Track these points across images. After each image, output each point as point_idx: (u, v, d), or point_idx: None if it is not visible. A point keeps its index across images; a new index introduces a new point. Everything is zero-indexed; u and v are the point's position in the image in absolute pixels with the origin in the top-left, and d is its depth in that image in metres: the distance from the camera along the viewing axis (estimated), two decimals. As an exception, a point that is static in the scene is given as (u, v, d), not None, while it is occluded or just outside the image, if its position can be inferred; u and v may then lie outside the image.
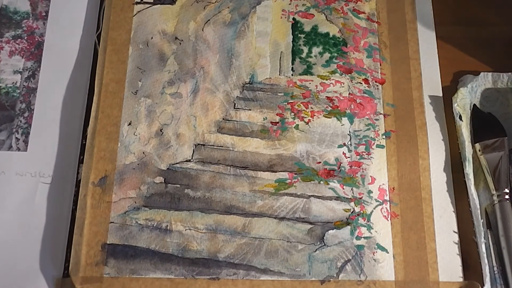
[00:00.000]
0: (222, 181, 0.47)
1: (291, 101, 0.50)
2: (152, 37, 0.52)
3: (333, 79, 0.50)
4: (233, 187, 0.47)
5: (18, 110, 0.50)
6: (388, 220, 0.46)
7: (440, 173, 0.47)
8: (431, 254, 0.45)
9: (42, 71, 0.51)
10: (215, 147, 0.48)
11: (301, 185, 0.47)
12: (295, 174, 0.47)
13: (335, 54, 0.51)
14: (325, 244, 0.45)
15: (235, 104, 0.50)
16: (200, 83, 0.50)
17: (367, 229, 0.45)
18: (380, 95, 0.50)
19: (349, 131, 0.49)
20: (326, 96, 0.50)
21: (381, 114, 0.49)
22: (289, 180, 0.47)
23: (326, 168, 0.47)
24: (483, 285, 0.43)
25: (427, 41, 0.52)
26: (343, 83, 0.50)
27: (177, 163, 0.48)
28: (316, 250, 0.45)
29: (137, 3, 0.53)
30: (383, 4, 0.53)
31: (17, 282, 0.44)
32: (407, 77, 0.50)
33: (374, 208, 0.46)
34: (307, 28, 0.52)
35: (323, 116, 0.49)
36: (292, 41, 0.52)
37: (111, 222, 0.45)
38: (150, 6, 0.53)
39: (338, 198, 0.46)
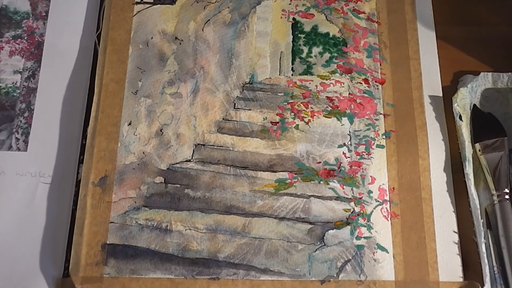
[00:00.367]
0: (222, 181, 0.47)
1: (291, 101, 0.50)
2: (152, 37, 0.52)
3: (333, 79, 0.50)
4: (233, 187, 0.47)
5: (18, 110, 0.50)
6: (388, 220, 0.46)
7: (440, 173, 0.47)
8: (431, 254, 0.45)
9: (42, 71, 0.51)
10: (215, 147, 0.48)
11: (301, 185, 0.47)
12: (295, 174, 0.47)
13: (335, 54, 0.51)
14: (325, 244, 0.45)
15: (235, 104, 0.50)
16: (200, 83, 0.50)
17: (367, 229, 0.45)
18: (380, 95, 0.50)
19: (349, 131, 0.49)
20: (326, 96, 0.50)
21: (381, 114, 0.49)
22: (289, 180, 0.47)
23: (326, 168, 0.47)
24: (483, 285, 0.43)
25: (427, 41, 0.52)
26: (343, 83, 0.50)
27: (177, 163, 0.48)
28: (316, 250, 0.45)
29: (137, 3, 0.53)
30: (383, 4, 0.53)
31: (17, 282, 0.44)
32: (407, 77, 0.50)
33: (374, 208, 0.46)
34: (307, 28, 0.52)
35: (323, 116, 0.49)
36: (292, 41, 0.52)
37: (111, 222, 0.45)
38: (150, 6, 0.53)
39: (338, 198, 0.46)
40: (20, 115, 0.49)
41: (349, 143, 0.48)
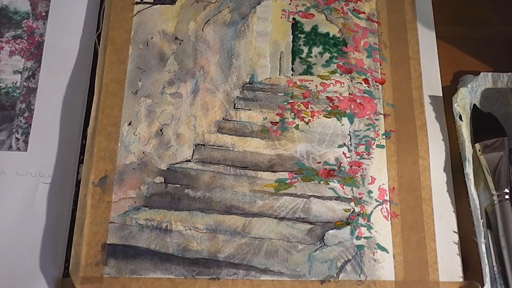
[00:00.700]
0: (222, 181, 0.47)
1: (291, 101, 0.50)
2: (152, 37, 0.52)
3: (333, 79, 0.50)
4: (233, 187, 0.47)
5: (18, 110, 0.50)
6: (388, 220, 0.46)
7: (440, 173, 0.47)
8: (431, 254, 0.45)
9: (42, 71, 0.51)
10: (215, 147, 0.48)
11: (301, 185, 0.47)
12: (295, 174, 0.47)
13: (335, 54, 0.51)
14: (325, 244, 0.45)
15: (235, 104, 0.50)
16: (200, 83, 0.50)
17: (367, 229, 0.45)
18: (380, 95, 0.50)
19: (349, 131, 0.49)
20: (326, 96, 0.50)
21: (381, 114, 0.49)
22: (289, 180, 0.47)
23: (326, 168, 0.47)
24: (483, 285, 0.43)
25: (427, 41, 0.52)
26: (343, 83, 0.50)
27: (177, 163, 0.48)
28: (316, 250, 0.45)
29: (137, 3, 0.53)
30: (383, 4, 0.53)
31: (17, 282, 0.44)
32: (407, 77, 0.50)
33: (374, 208, 0.46)
34: (307, 28, 0.52)
35: (323, 116, 0.49)
36: (292, 41, 0.52)
37: (111, 222, 0.45)
38: (150, 6, 0.53)
39: (338, 198, 0.46)
40: (20, 115, 0.49)
41: (349, 143, 0.48)
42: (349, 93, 0.50)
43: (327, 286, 0.44)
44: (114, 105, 0.49)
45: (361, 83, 0.50)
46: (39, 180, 0.47)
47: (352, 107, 0.49)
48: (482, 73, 0.49)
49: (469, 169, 0.46)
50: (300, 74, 0.51)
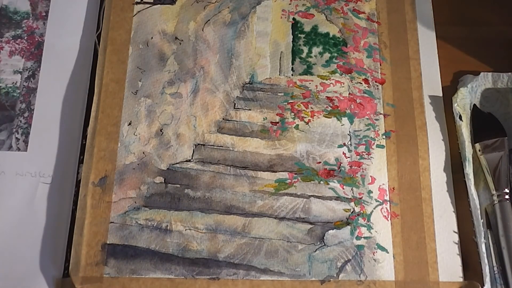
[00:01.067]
0: (222, 181, 0.47)
1: (291, 101, 0.50)
2: (152, 37, 0.52)
3: (333, 79, 0.50)
4: (233, 187, 0.47)
5: (18, 110, 0.50)
6: (388, 220, 0.46)
7: (440, 173, 0.47)
8: (431, 254, 0.45)
9: (42, 71, 0.51)
10: (215, 147, 0.48)
11: (301, 185, 0.47)
12: (295, 174, 0.47)
13: (335, 54, 0.51)
14: (325, 244, 0.45)
15: (235, 104, 0.50)
16: (200, 83, 0.50)
17: (367, 229, 0.45)
18: (380, 95, 0.50)
19: (349, 131, 0.49)
20: (326, 96, 0.50)
21: (381, 114, 0.49)
22: (289, 180, 0.47)
23: (326, 168, 0.47)
24: (483, 285, 0.43)
25: (427, 41, 0.52)
26: (343, 83, 0.50)
27: (177, 163, 0.48)
28: (316, 250, 0.45)
29: (137, 3, 0.53)
30: (383, 4, 0.53)
31: (17, 282, 0.44)
32: (407, 77, 0.50)
33: (374, 208, 0.46)
34: (307, 28, 0.52)
35: (323, 116, 0.49)
36: (292, 41, 0.52)
37: (111, 222, 0.45)
38: (150, 6, 0.53)
39: (338, 198, 0.46)
40: (20, 115, 0.49)
41: (349, 143, 0.48)
42: (349, 93, 0.50)
43: (327, 286, 0.44)
44: (114, 105, 0.49)
45: (361, 83, 0.50)
46: (39, 180, 0.47)
47: (352, 107, 0.49)
48: (482, 73, 0.49)
49: (469, 169, 0.46)
50: (300, 74, 0.51)
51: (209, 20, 0.53)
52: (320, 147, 0.48)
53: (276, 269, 0.44)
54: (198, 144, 0.48)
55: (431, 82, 0.50)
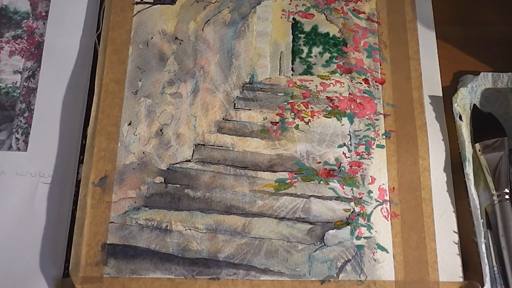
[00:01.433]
0: (222, 181, 0.47)
1: (291, 101, 0.50)
2: (152, 37, 0.52)
3: (333, 79, 0.50)
4: (233, 187, 0.47)
5: (18, 110, 0.50)
6: (388, 220, 0.46)
7: (440, 173, 0.47)
8: (431, 254, 0.45)
9: (42, 71, 0.51)
10: (215, 147, 0.48)
11: (301, 185, 0.47)
12: (295, 174, 0.47)
13: (335, 54, 0.51)
14: (325, 244, 0.45)
15: (235, 104, 0.50)
16: (200, 83, 0.50)
17: (367, 229, 0.45)
18: (380, 95, 0.50)
19: (349, 131, 0.49)
20: (326, 96, 0.50)
21: (381, 114, 0.49)
22: (289, 180, 0.47)
23: (326, 168, 0.47)
24: (483, 285, 0.43)
25: (427, 41, 0.52)
26: (343, 83, 0.50)
27: (177, 163, 0.48)
28: (316, 250, 0.45)
29: (137, 3, 0.53)
30: (383, 4, 0.53)
31: (17, 282, 0.44)
32: (407, 77, 0.50)
33: (374, 208, 0.46)
34: (307, 28, 0.52)
35: (323, 116, 0.49)
36: (292, 41, 0.52)
37: (111, 222, 0.45)
38: (150, 6, 0.53)
39: (338, 198, 0.46)
40: (20, 115, 0.49)
41: (349, 143, 0.48)
42: (349, 93, 0.50)
43: (327, 286, 0.44)
44: (114, 105, 0.49)
45: (361, 83, 0.50)
46: (39, 180, 0.47)
47: (352, 107, 0.49)
48: (482, 73, 0.49)
49: (469, 169, 0.46)
50: (300, 74, 0.51)
51: (209, 20, 0.53)
52: (320, 147, 0.48)
53: (276, 269, 0.44)
54: (198, 144, 0.48)
55: (431, 82, 0.50)
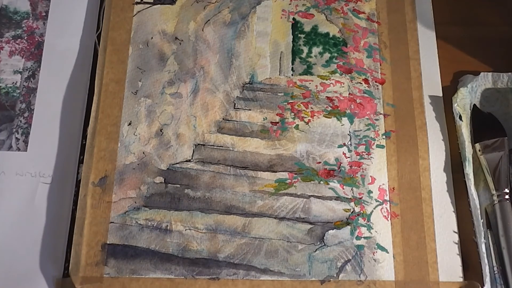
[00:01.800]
0: (222, 181, 0.47)
1: (291, 101, 0.50)
2: (152, 37, 0.52)
3: (333, 79, 0.50)
4: (233, 187, 0.47)
5: (18, 110, 0.50)
6: (388, 220, 0.46)
7: (440, 173, 0.47)
8: (431, 254, 0.45)
9: (42, 71, 0.51)
10: (215, 147, 0.48)
11: (301, 185, 0.47)
12: (295, 174, 0.47)
13: (335, 54, 0.51)
14: (325, 244, 0.45)
15: (235, 104, 0.50)
16: (200, 83, 0.50)
17: (367, 229, 0.45)
18: (380, 95, 0.50)
19: (349, 131, 0.49)
20: (326, 96, 0.50)
21: (381, 114, 0.49)
22: (289, 180, 0.47)
23: (326, 168, 0.47)
24: (483, 285, 0.43)
25: (427, 41, 0.52)
26: (343, 83, 0.50)
27: (177, 163, 0.48)
28: (316, 250, 0.45)
29: (137, 3, 0.53)
30: (383, 4, 0.53)
31: (17, 282, 0.44)
32: (407, 77, 0.50)
33: (374, 208, 0.46)
34: (307, 28, 0.52)
35: (323, 116, 0.49)
36: (292, 41, 0.52)
37: (111, 222, 0.45)
38: (150, 6, 0.53)
39: (338, 198, 0.46)
40: (20, 115, 0.49)
41: (349, 143, 0.48)
42: (349, 93, 0.50)
43: (327, 286, 0.44)
44: (114, 105, 0.49)
45: (361, 83, 0.50)
46: (39, 180, 0.47)
47: (352, 107, 0.49)
48: (482, 73, 0.49)
49: (469, 169, 0.46)
50: (300, 74, 0.51)
51: (209, 20, 0.53)
52: (320, 147, 0.48)
53: (276, 269, 0.44)
54: (198, 144, 0.48)
55: (431, 82, 0.50)
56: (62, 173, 0.47)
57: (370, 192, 0.47)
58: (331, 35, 0.52)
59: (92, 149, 0.47)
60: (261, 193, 0.46)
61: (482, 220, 0.45)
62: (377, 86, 0.50)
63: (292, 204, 0.46)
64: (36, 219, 0.46)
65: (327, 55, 0.51)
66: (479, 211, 0.45)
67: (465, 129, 0.48)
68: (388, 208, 0.46)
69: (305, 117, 0.49)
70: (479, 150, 0.47)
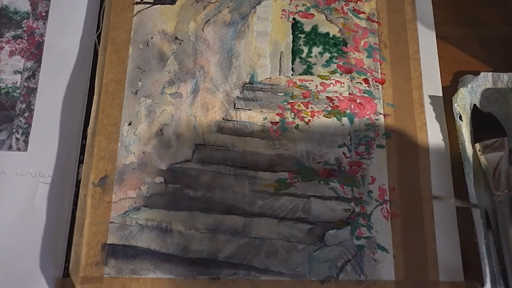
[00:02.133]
0: (222, 181, 0.47)
1: (291, 101, 0.50)
2: (152, 37, 0.52)
3: (333, 79, 0.50)
4: (233, 187, 0.47)
5: (18, 110, 0.50)
6: (388, 220, 0.46)
7: (440, 173, 0.47)
8: (431, 254, 0.45)
9: (42, 71, 0.51)
10: (215, 147, 0.48)
11: (301, 185, 0.47)
12: (295, 174, 0.47)
13: (335, 54, 0.51)
14: (325, 244, 0.45)
15: (235, 104, 0.50)
16: (200, 83, 0.50)
17: (367, 229, 0.45)
18: (380, 95, 0.50)
19: (349, 131, 0.49)
20: (326, 96, 0.50)
21: (381, 114, 0.49)
22: (289, 180, 0.47)
23: (326, 168, 0.47)
24: (483, 285, 0.43)
25: (427, 41, 0.52)
26: (343, 83, 0.50)
27: (177, 163, 0.47)
28: (316, 250, 0.45)
29: (137, 3, 0.53)
30: (383, 4, 0.53)
31: (17, 282, 0.44)
32: (407, 77, 0.50)
33: (374, 208, 0.46)
34: (307, 28, 0.52)
35: (323, 116, 0.49)
36: (292, 41, 0.52)
37: (111, 222, 0.45)
38: (150, 6, 0.53)
39: (338, 198, 0.46)
40: (20, 115, 0.49)
41: (349, 143, 0.48)
42: (349, 93, 0.50)
43: (327, 286, 0.44)
44: (114, 105, 0.49)
45: (361, 83, 0.50)
46: (39, 180, 0.47)
47: (352, 107, 0.49)
48: (482, 73, 0.49)
49: (469, 169, 0.46)
50: (300, 74, 0.51)
51: (209, 20, 0.53)
52: (320, 147, 0.48)
53: (276, 269, 0.44)
54: (198, 144, 0.48)
55: (431, 82, 0.50)
56: (62, 173, 0.47)
57: (370, 192, 0.47)
58: (331, 35, 0.52)
59: (92, 149, 0.47)
60: (261, 193, 0.46)
61: (482, 220, 0.45)
62: (377, 86, 0.50)
63: (292, 204, 0.46)
64: (36, 219, 0.46)
65: (327, 55, 0.51)
66: (479, 211, 0.45)
67: (465, 129, 0.48)
68: (388, 208, 0.46)
69: (305, 117, 0.49)
70: (479, 150, 0.47)
